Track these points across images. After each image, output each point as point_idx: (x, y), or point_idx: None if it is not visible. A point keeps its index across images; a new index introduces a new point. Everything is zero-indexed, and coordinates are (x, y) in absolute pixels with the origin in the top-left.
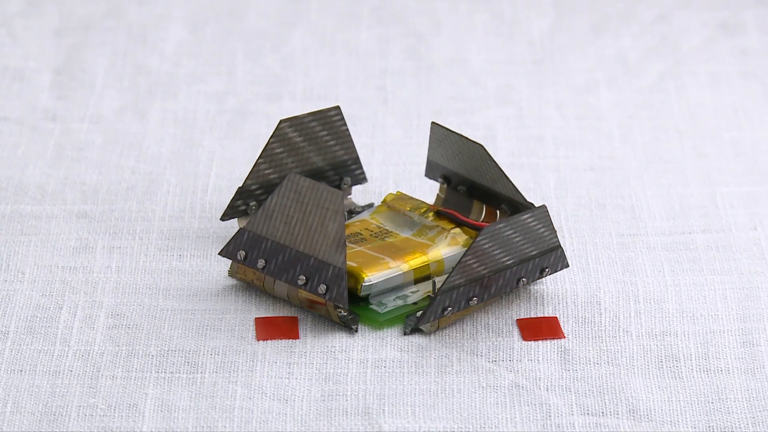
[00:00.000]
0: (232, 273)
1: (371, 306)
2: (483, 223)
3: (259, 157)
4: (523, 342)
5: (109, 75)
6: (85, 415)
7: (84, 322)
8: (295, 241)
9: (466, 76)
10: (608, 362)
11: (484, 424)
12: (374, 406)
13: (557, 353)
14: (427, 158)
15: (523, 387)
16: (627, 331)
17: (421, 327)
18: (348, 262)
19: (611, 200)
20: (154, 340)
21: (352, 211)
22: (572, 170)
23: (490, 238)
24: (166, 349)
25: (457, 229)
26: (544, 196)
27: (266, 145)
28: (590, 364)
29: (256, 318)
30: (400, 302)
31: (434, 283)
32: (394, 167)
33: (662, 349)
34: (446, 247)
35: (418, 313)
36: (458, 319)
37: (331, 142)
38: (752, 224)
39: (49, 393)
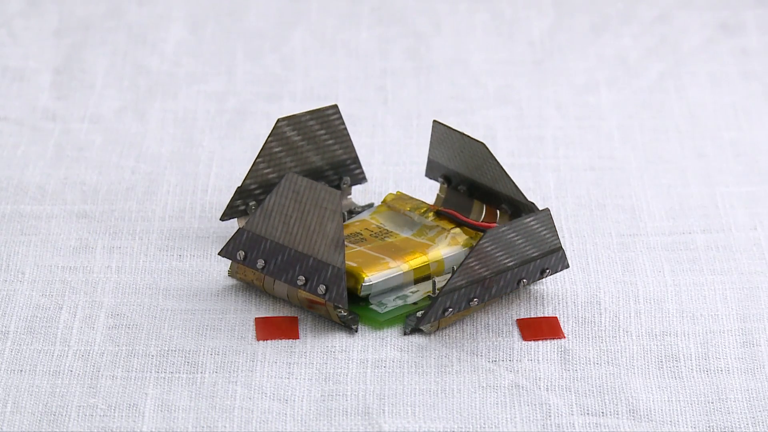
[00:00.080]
0: (232, 273)
1: (371, 306)
2: (483, 223)
3: (258, 157)
4: (523, 342)
5: (109, 75)
6: (85, 415)
7: (84, 322)
8: (294, 241)
9: (466, 76)
10: (608, 362)
11: (484, 424)
12: (374, 406)
13: (557, 353)
14: (428, 157)
15: (523, 387)
16: (627, 331)
17: (421, 327)
18: (348, 262)
19: (611, 200)
20: (154, 340)
21: (352, 211)
22: (572, 170)
23: (493, 241)
24: (166, 349)
25: (457, 229)
26: (544, 196)
27: (264, 144)
28: (590, 364)
29: (256, 318)
30: (400, 302)
31: (434, 283)
32: (394, 167)
33: (662, 349)
34: (446, 247)
35: (419, 313)
36: (458, 320)
37: (330, 141)
38: (752, 224)
39: (49, 393)
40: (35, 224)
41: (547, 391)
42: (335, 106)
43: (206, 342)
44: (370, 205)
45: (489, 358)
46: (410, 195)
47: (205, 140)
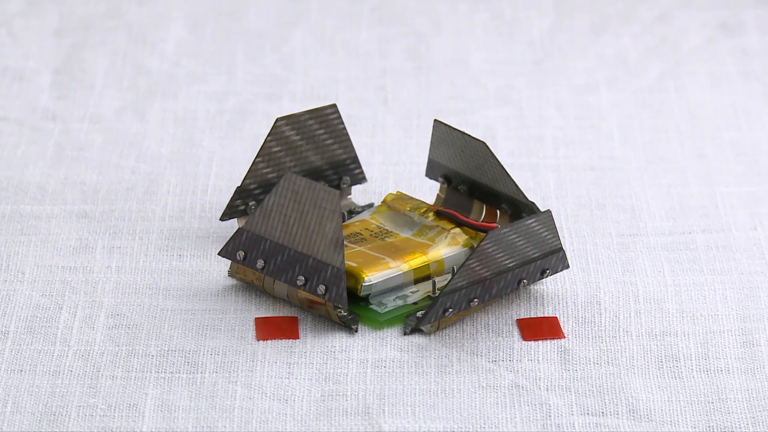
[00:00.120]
0: (232, 273)
1: (371, 306)
2: (483, 224)
3: (257, 156)
4: (523, 342)
5: (109, 75)
6: (85, 415)
7: (84, 322)
8: (294, 241)
9: (466, 76)
10: (608, 362)
11: (484, 424)
12: (374, 406)
13: (557, 353)
14: (429, 157)
15: (523, 387)
16: (627, 331)
17: (421, 327)
18: (348, 262)
19: (611, 200)
20: (154, 340)
21: (352, 211)
22: (572, 170)
23: (494, 242)
24: (166, 349)
25: (457, 229)
26: (544, 196)
27: (263, 143)
28: (590, 364)
29: (256, 318)
30: (400, 302)
31: (434, 283)
32: (394, 167)
33: (662, 349)
34: (446, 247)
35: (419, 313)
36: (458, 320)
37: (329, 141)
38: (752, 224)
39: (49, 393)
40: (35, 224)
41: (547, 391)
42: (334, 106)
43: (206, 342)
44: (370, 205)
45: (489, 358)
46: (410, 195)
47: (205, 140)
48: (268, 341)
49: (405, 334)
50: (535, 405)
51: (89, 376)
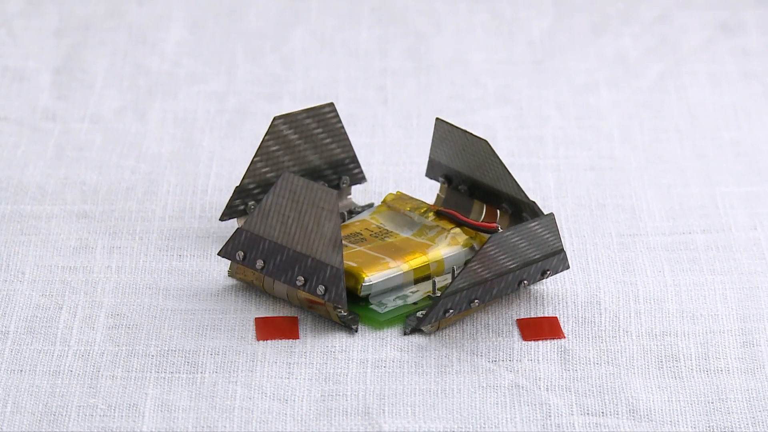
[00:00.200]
0: (231, 273)
1: (371, 306)
2: (483, 224)
3: (255, 156)
4: (523, 342)
5: (109, 75)
6: (85, 415)
7: (84, 322)
8: (293, 241)
9: (466, 76)
10: (608, 362)
11: (484, 424)
12: (374, 406)
13: (557, 353)
14: (429, 156)
15: (523, 387)
16: (627, 331)
17: (421, 327)
18: (348, 262)
19: (611, 200)
20: (154, 340)
21: (352, 211)
22: (572, 170)
23: (497, 245)
24: (166, 349)
25: (457, 229)
26: (544, 196)
27: (261, 142)
28: (590, 364)
29: (256, 318)
30: (400, 302)
31: (434, 283)
32: (394, 167)
33: (662, 349)
34: (446, 247)
35: (419, 314)
36: (458, 320)
37: (327, 140)
38: (752, 224)
39: (49, 393)
40: (35, 224)
41: (547, 391)
42: (331, 104)
43: (206, 342)
44: (370, 205)
45: (489, 358)
46: (410, 195)
47: (205, 140)
48: (268, 341)
49: (405, 334)
50: (535, 405)
51: (89, 376)
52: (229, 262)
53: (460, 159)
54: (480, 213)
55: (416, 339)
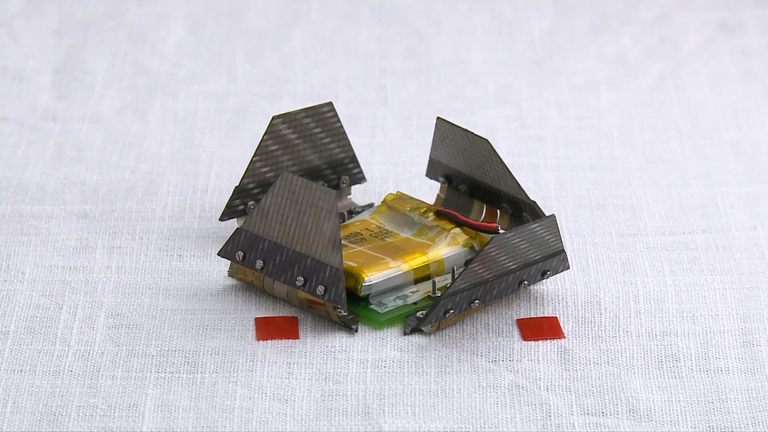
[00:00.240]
0: (231, 273)
1: (371, 306)
2: (483, 224)
3: (254, 155)
4: (523, 342)
5: (109, 75)
6: (85, 415)
7: (84, 322)
8: (292, 241)
9: (466, 76)
10: (608, 362)
11: (484, 424)
12: (374, 406)
13: (557, 353)
14: (430, 156)
15: (523, 387)
16: (627, 331)
17: (421, 327)
18: (348, 262)
19: (611, 200)
20: (154, 340)
21: (352, 211)
22: (572, 170)
23: (498, 247)
24: (166, 349)
25: (457, 229)
26: (544, 196)
27: (260, 142)
28: (590, 364)
29: (256, 318)
30: (400, 302)
31: (434, 283)
32: (394, 167)
33: (662, 349)
34: (446, 247)
35: (419, 314)
36: (458, 320)
37: (326, 140)
38: (752, 224)
39: (49, 393)
40: (35, 224)
41: (547, 391)
42: (330, 104)
43: (206, 342)
44: (370, 205)
45: (489, 358)
46: (410, 195)
47: (205, 140)
48: (268, 341)
49: (405, 334)
50: (535, 405)
51: (89, 376)
52: (229, 262)
53: (461, 158)
54: (480, 213)
55: (416, 339)
